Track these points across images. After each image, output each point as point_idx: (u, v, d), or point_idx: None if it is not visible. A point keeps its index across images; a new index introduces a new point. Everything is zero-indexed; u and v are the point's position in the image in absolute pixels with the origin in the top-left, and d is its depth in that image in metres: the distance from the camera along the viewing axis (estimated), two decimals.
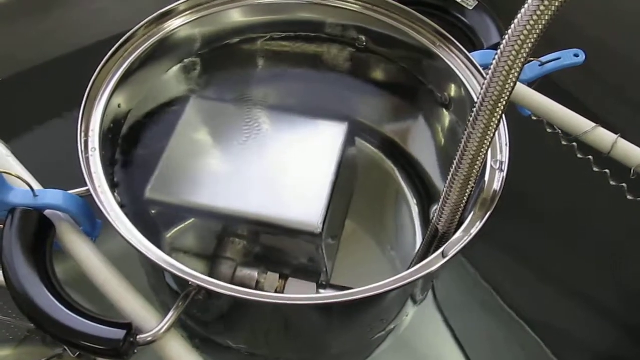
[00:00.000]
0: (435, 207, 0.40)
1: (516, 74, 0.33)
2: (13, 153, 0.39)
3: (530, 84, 0.47)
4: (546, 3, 0.31)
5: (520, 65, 0.33)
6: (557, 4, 0.31)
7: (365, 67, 0.50)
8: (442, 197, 0.38)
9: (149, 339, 0.31)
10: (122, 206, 0.39)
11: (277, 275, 0.43)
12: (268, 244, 0.45)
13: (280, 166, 0.46)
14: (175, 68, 0.47)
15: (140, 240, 0.33)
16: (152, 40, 0.43)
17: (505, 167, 0.38)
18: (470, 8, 0.47)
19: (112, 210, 0.34)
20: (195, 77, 0.49)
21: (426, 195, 0.50)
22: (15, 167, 0.38)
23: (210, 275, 0.45)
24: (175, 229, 0.47)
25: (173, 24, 0.44)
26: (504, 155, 0.38)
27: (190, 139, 0.46)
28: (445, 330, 0.60)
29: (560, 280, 0.61)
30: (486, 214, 0.36)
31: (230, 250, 0.44)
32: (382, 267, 0.53)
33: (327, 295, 0.32)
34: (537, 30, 0.32)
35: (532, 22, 0.31)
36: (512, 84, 0.33)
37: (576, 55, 0.46)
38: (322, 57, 0.51)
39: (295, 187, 0.45)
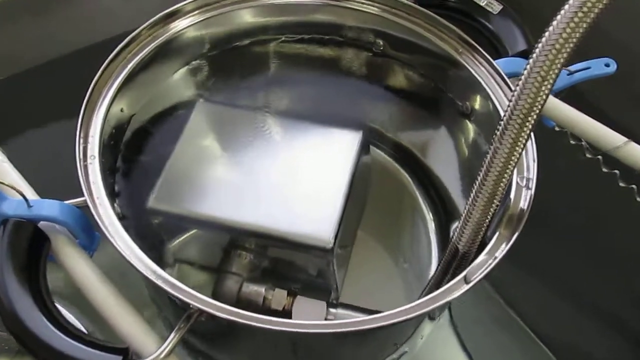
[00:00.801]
0: (455, 225, 0.38)
1: (549, 86, 0.30)
2: (9, 158, 0.37)
3: (557, 94, 0.44)
4: (585, 9, 0.29)
5: (554, 76, 0.30)
6: (597, 10, 0.29)
7: (382, 72, 0.47)
8: (463, 215, 0.36)
9: None
10: (122, 218, 0.37)
11: (285, 292, 0.41)
12: (276, 258, 0.42)
13: (290, 176, 0.43)
14: (182, 71, 0.45)
15: (139, 257, 0.31)
16: (157, 41, 0.41)
17: (532, 185, 0.35)
18: (495, 12, 0.45)
19: (110, 223, 0.32)
20: (202, 81, 0.47)
21: (443, 209, 0.48)
22: (10, 174, 0.35)
23: (215, 290, 0.43)
24: (180, 239, 0.45)
25: (179, 24, 0.42)
26: (532, 171, 0.36)
27: (197, 146, 0.44)
28: (457, 345, 0.58)
29: (578, 296, 0.58)
30: (513, 235, 0.33)
31: (236, 265, 0.42)
32: (395, 282, 0.50)
33: (336, 324, 0.30)
34: (574, 39, 0.29)
35: (569, 30, 0.29)
36: (544, 97, 0.31)
37: (607, 65, 0.43)
38: (336, 62, 0.48)
39: (306, 198, 0.42)
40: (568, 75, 0.44)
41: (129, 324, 0.30)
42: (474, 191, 0.35)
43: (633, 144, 0.40)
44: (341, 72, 0.48)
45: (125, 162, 0.41)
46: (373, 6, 0.44)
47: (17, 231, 0.32)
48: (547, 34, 0.30)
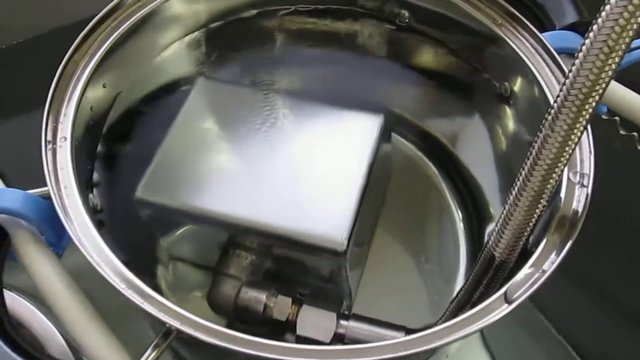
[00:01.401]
0: (490, 228, 0.32)
1: (617, 59, 0.25)
2: None
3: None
4: None
5: (624, 47, 0.24)
6: None
7: (406, 49, 0.41)
8: (502, 217, 0.30)
9: None
10: (99, 211, 0.32)
11: (290, 300, 0.35)
12: (280, 260, 0.37)
13: (299, 166, 0.38)
14: (178, 44, 0.39)
15: (109, 260, 0.26)
16: (146, 8, 0.35)
17: (589, 182, 0.29)
18: None
19: (76, 217, 0.27)
20: (203, 56, 0.41)
21: (474, 207, 0.42)
22: None
23: (209, 295, 0.38)
24: (173, 235, 0.39)
25: None
26: (587, 166, 0.30)
27: (194, 129, 0.38)
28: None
29: (626, 310, 0.51)
30: (565, 242, 0.27)
31: (235, 266, 0.37)
32: (417, 287, 0.44)
33: (345, 350, 0.24)
34: None
35: None
36: (610, 73, 0.25)
37: None
38: (354, 36, 0.42)
39: (317, 192, 0.36)
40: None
41: (96, 340, 0.25)
42: (515, 188, 0.29)
43: None
44: (360, 49, 0.42)
45: (108, 146, 0.35)
46: None
47: None
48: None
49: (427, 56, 0.41)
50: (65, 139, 0.29)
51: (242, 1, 0.40)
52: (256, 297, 0.36)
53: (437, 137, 0.43)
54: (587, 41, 0.25)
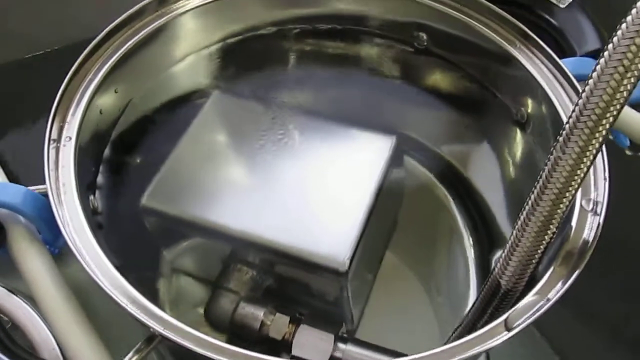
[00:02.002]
0: (498, 254, 0.30)
1: (633, 79, 0.23)
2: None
3: (636, 105, 0.36)
4: None
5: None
6: None
7: (423, 72, 0.41)
8: (509, 243, 0.28)
9: None
10: (97, 213, 0.32)
11: (287, 319, 0.34)
12: (281, 277, 0.36)
13: (307, 184, 0.37)
14: (193, 56, 0.39)
15: (100, 260, 0.25)
16: (164, 18, 0.36)
17: (602, 210, 0.28)
18: (562, 5, 0.38)
19: (72, 216, 0.27)
20: (217, 70, 0.41)
21: (487, 236, 0.40)
22: None
23: (207, 308, 0.37)
24: (177, 247, 0.39)
25: (191, 3, 0.37)
26: (601, 193, 0.28)
27: (206, 141, 0.38)
28: None
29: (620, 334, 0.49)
30: (572, 273, 0.26)
31: (235, 281, 0.36)
32: (425, 316, 0.43)
33: None
34: None
35: None
36: (626, 92, 0.24)
37: None
38: (370, 59, 0.42)
39: (322, 211, 0.36)
40: None
41: (79, 341, 0.25)
42: (524, 213, 0.27)
43: None
44: (374, 71, 0.42)
45: (116, 152, 0.35)
46: None
47: None
48: (633, 10, 0.23)
49: (443, 80, 0.40)
50: (70, 138, 0.30)
51: (261, 18, 0.41)
52: (253, 313, 0.35)
53: (450, 161, 0.42)
54: (602, 60, 0.24)
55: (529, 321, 0.24)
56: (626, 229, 0.44)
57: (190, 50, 0.39)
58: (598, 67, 0.24)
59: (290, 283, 0.36)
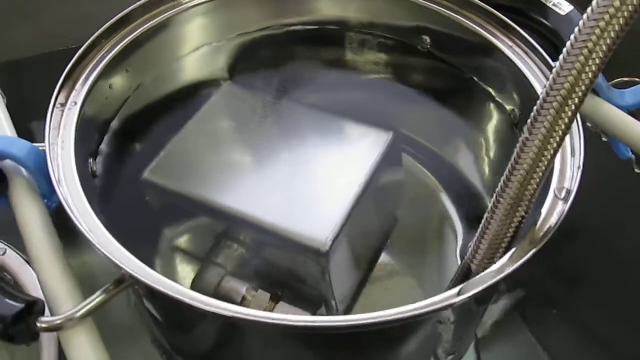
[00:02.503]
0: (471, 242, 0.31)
1: (600, 58, 0.24)
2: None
3: (633, 113, 0.36)
4: None
5: (608, 43, 0.24)
6: None
7: (425, 74, 0.42)
8: (480, 228, 0.29)
9: (56, 322, 0.24)
10: (95, 176, 0.34)
11: (268, 296, 0.35)
12: (269, 256, 0.37)
13: (302, 171, 0.38)
14: (207, 48, 0.42)
15: (84, 209, 0.27)
16: (179, 8, 0.38)
17: (570, 198, 0.28)
18: (563, 14, 0.38)
19: (67, 170, 0.29)
20: (228, 63, 0.44)
21: None
22: None
23: (194, 280, 0.38)
24: (174, 222, 0.41)
25: None
26: (574, 182, 0.28)
27: (211, 126, 0.41)
28: None
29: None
30: (532, 249, 0.26)
31: (223, 256, 0.37)
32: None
33: (286, 318, 0.24)
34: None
35: None
36: (593, 72, 0.24)
37: None
38: (374, 62, 0.44)
39: (313, 196, 0.37)
40: None
41: (53, 278, 0.26)
42: (495, 196, 0.28)
43: None
44: (377, 74, 0.44)
45: (123, 127, 0.38)
46: None
47: None
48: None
49: (444, 80, 0.41)
50: (76, 104, 0.32)
51: (271, 20, 0.43)
52: (237, 288, 0.36)
53: (448, 161, 0.42)
54: (568, 44, 0.25)
55: (478, 290, 0.24)
56: None
57: (203, 42, 0.42)
58: (564, 51, 0.25)
59: (276, 262, 0.37)
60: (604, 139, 0.41)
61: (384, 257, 0.43)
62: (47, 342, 0.36)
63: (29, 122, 0.36)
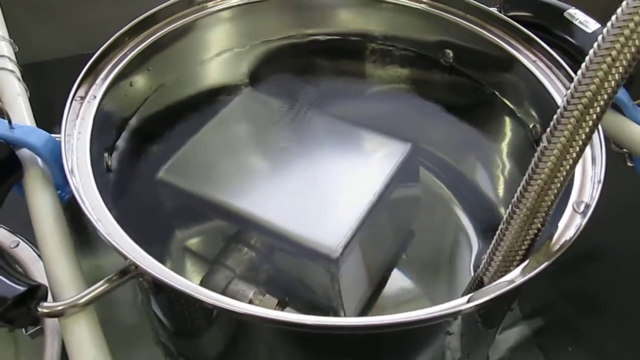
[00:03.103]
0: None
1: (623, 66, 0.23)
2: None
3: None
4: None
5: (632, 51, 0.23)
6: None
7: (446, 88, 0.42)
8: (494, 239, 0.28)
9: (57, 307, 0.24)
10: (109, 170, 0.34)
11: (275, 301, 0.35)
12: (277, 262, 0.37)
13: (317, 177, 0.38)
14: (229, 53, 0.42)
15: (94, 198, 0.27)
16: (202, 12, 0.39)
17: (589, 212, 0.27)
18: (589, 32, 0.37)
19: (81, 163, 0.29)
20: (249, 69, 0.44)
21: None
22: (15, 98, 0.34)
23: (202, 280, 0.38)
24: (186, 228, 0.41)
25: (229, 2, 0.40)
26: (593, 196, 0.27)
27: (228, 130, 0.41)
28: None
29: None
30: (545, 262, 0.25)
31: (233, 259, 0.37)
32: None
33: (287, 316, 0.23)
34: None
35: None
36: (616, 80, 0.24)
37: None
38: (395, 72, 0.43)
39: (326, 203, 0.37)
40: None
41: (59, 265, 0.26)
42: (510, 207, 0.27)
43: None
44: (400, 85, 0.43)
45: (142, 125, 0.38)
46: (444, 12, 0.40)
47: None
48: (623, 4, 0.23)
49: (465, 95, 0.41)
50: (95, 97, 0.32)
51: (294, 29, 0.43)
52: (244, 291, 0.35)
53: (467, 176, 0.42)
54: (591, 52, 0.24)
55: (489, 297, 0.23)
56: None
57: (226, 47, 0.42)
58: (587, 59, 0.24)
59: (286, 268, 0.37)
60: (629, 164, 0.39)
61: (397, 272, 0.43)
62: (51, 336, 0.36)
63: (50, 119, 0.37)
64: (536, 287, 0.55)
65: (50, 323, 0.35)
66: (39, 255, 0.41)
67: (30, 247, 0.40)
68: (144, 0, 0.39)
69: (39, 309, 0.24)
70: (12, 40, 0.40)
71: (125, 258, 0.25)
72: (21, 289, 0.23)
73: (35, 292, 0.24)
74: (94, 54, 0.34)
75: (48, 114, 0.38)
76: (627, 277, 0.48)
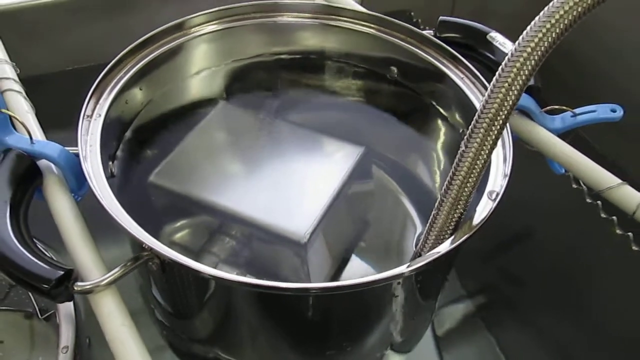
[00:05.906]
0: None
1: (518, 87, 0.31)
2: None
3: (562, 135, 0.44)
4: (555, 18, 0.30)
5: (525, 76, 0.31)
6: (565, 22, 0.30)
7: (392, 98, 0.50)
8: (428, 222, 0.36)
9: (87, 286, 0.31)
10: (113, 176, 0.41)
11: None
12: (255, 248, 0.44)
13: (286, 176, 0.46)
14: (207, 72, 0.49)
15: (109, 196, 0.34)
16: (184, 38, 0.46)
17: (497, 198, 0.35)
18: (506, 51, 0.46)
19: (95, 171, 0.35)
20: (224, 85, 0.51)
21: None
22: (25, 114, 0.40)
23: None
24: (176, 223, 0.47)
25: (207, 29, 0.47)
26: (500, 186, 0.36)
27: (208, 138, 0.47)
28: None
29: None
30: (465, 236, 0.33)
31: (217, 246, 0.44)
32: None
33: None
34: (548, 39, 0.30)
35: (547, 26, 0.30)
36: (514, 96, 0.31)
37: (613, 111, 0.43)
38: (349, 85, 0.51)
39: (295, 197, 0.44)
40: (572, 117, 0.44)
41: (84, 253, 0.33)
42: (440, 195, 0.35)
43: (627, 187, 0.39)
44: (351, 98, 0.51)
45: (135, 136, 0.44)
46: (391, 35, 0.47)
47: (16, 160, 0.35)
48: (525, 32, 0.31)
49: (407, 104, 0.49)
50: (100, 115, 0.39)
51: (261, 49, 0.50)
52: (228, 272, 0.42)
53: (410, 171, 0.50)
54: (501, 67, 0.32)
55: (422, 263, 0.31)
56: None
57: (203, 66, 0.49)
58: (491, 85, 0.32)
59: (262, 253, 0.44)
60: None
61: (355, 256, 0.50)
62: (65, 322, 0.42)
63: (54, 130, 0.43)
64: (478, 269, 0.64)
65: (64, 311, 0.41)
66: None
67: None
68: (120, 20, 0.45)
69: (75, 287, 0.30)
70: (14, 64, 0.45)
71: (142, 243, 0.32)
72: (60, 272, 0.30)
73: (70, 275, 0.30)
74: (88, 70, 0.41)
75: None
76: (548, 255, 0.57)
